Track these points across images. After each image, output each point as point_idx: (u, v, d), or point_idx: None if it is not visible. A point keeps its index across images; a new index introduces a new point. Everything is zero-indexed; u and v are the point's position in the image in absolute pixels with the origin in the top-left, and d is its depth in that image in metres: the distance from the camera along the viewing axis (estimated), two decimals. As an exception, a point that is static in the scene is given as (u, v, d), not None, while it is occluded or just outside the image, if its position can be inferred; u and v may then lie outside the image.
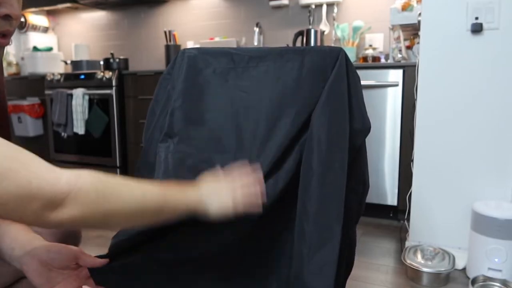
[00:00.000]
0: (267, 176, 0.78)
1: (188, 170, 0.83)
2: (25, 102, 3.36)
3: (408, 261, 1.59)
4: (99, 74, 3.02)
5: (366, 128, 0.86)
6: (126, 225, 0.63)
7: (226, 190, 0.67)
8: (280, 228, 0.84)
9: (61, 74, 3.21)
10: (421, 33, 1.72)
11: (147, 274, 0.72)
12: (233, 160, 0.82)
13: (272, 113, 0.83)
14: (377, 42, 2.71)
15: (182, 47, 3.33)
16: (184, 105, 0.88)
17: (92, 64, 3.50)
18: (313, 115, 0.81)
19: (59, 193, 0.48)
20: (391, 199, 2.26)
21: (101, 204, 0.52)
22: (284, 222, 0.83)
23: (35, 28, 3.90)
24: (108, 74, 2.99)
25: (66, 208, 0.49)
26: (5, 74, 3.70)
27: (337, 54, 0.83)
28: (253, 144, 0.84)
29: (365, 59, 2.51)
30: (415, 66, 1.83)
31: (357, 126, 0.84)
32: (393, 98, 2.18)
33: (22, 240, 0.65)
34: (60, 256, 0.65)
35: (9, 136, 1.68)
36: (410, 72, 2.11)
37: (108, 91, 2.97)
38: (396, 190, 2.24)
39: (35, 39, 3.87)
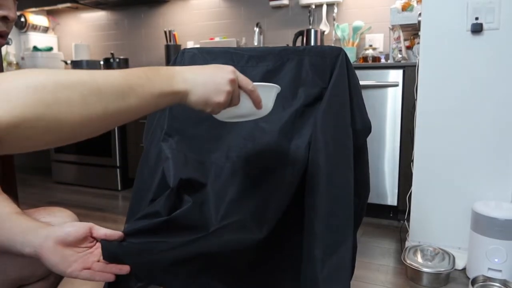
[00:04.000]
0: (270, 174, 0.78)
1: (192, 169, 0.83)
2: (25, 102, 3.36)
3: (408, 261, 1.59)
4: (99, 74, 3.02)
5: (366, 127, 0.86)
6: (83, 115, 0.45)
7: (213, 82, 0.58)
8: (290, 228, 0.83)
9: (61, 74, 3.21)
10: (421, 33, 1.72)
11: (156, 259, 0.70)
12: (234, 158, 0.82)
13: (270, 115, 0.83)
14: (377, 42, 2.71)
15: (182, 47, 3.33)
16: (181, 104, 0.88)
17: (92, 64, 3.51)
18: (317, 116, 0.80)
19: None
20: (391, 199, 2.26)
21: (37, 93, 0.41)
22: (293, 222, 0.83)
23: (35, 28, 3.90)
24: (108, 74, 2.99)
25: None
26: (5, 74, 3.70)
27: (337, 54, 0.83)
28: (253, 141, 0.83)
29: (365, 59, 2.51)
30: (415, 66, 1.83)
31: (357, 126, 0.84)
32: (393, 98, 2.18)
33: (35, 225, 0.66)
34: (75, 228, 0.64)
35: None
36: (410, 72, 2.11)
37: (108, 91, 2.97)
38: (396, 190, 2.24)
39: (35, 39, 3.88)
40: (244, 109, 0.65)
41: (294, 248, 0.83)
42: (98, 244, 0.67)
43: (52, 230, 0.63)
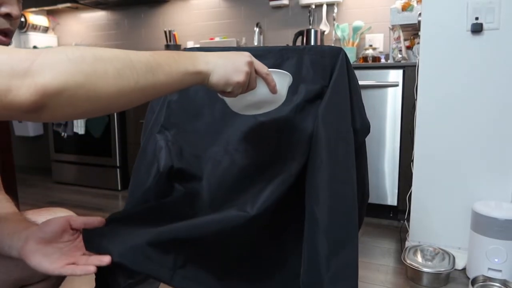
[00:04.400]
0: (269, 167, 0.77)
1: (186, 161, 0.83)
2: (25, 102, 3.36)
3: (408, 261, 1.59)
4: (99, 74, 3.02)
5: (365, 127, 0.86)
6: (117, 87, 0.49)
7: (232, 63, 0.63)
8: (286, 222, 0.83)
9: (61, 74, 3.21)
10: (421, 33, 1.72)
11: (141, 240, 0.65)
12: (233, 151, 0.82)
13: (270, 110, 0.83)
14: (377, 42, 2.71)
15: (182, 47, 3.33)
16: (180, 99, 0.88)
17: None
18: (319, 113, 0.80)
19: (21, 60, 0.43)
20: (391, 199, 2.26)
21: (77, 63, 0.46)
22: (290, 215, 0.82)
23: (35, 28, 3.90)
24: (108, 74, 2.99)
25: (34, 76, 0.43)
26: (5, 74, 3.69)
27: (337, 53, 0.83)
28: (253, 136, 0.83)
29: (365, 59, 2.51)
30: (415, 66, 1.83)
31: (357, 125, 0.84)
32: (393, 98, 2.18)
33: (21, 227, 0.65)
34: (51, 224, 0.63)
35: (9, 136, 1.68)
36: (410, 72, 2.11)
37: (108, 91, 2.97)
38: (396, 190, 2.24)
39: (35, 39, 3.87)
40: (261, 95, 0.68)
41: (291, 242, 0.82)
42: (81, 239, 0.65)
43: (31, 231, 0.63)
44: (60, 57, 0.45)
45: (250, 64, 0.64)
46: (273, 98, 0.70)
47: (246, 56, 0.64)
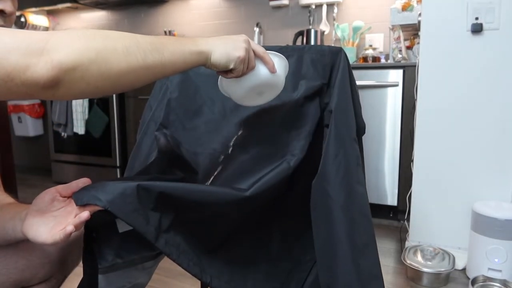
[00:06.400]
0: (268, 160, 0.77)
1: (184, 157, 0.83)
2: (25, 102, 3.36)
3: (408, 261, 1.59)
4: (99, 74, 3.02)
5: (362, 127, 0.87)
6: (126, 62, 0.53)
7: (231, 41, 0.67)
8: (278, 214, 0.83)
9: (61, 74, 3.21)
10: (421, 33, 1.72)
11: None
12: (232, 146, 0.82)
13: (269, 106, 0.83)
14: (377, 42, 2.71)
15: (182, 47, 3.32)
16: (180, 97, 0.89)
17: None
18: (332, 114, 0.80)
19: (37, 40, 0.47)
20: (391, 199, 2.26)
21: (89, 41, 0.50)
22: (284, 209, 0.82)
23: (35, 28, 3.90)
24: (108, 74, 2.99)
25: (50, 53, 0.46)
26: (5, 74, 3.69)
27: (337, 53, 0.84)
28: (252, 130, 0.83)
29: (365, 59, 2.51)
30: (415, 66, 1.83)
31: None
32: (393, 98, 2.18)
33: (21, 209, 0.66)
34: (42, 196, 0.63)
35: (9, 136, 1.68)
36: (410, 72, 2.11)
37: (108, 91, 2.97)
38: (396, 191, 2.24)
39: (35, 39, 3.87)
40: (261, 75, 0.70)
41: (279, 237, 0.82)
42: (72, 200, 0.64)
43: (29, 209, 0.64)
44: (72, 36, 0.49)
45: (247, 42, 0.68)
46: (273, 80, 0.71)
47: (242, 36, 0.68)
